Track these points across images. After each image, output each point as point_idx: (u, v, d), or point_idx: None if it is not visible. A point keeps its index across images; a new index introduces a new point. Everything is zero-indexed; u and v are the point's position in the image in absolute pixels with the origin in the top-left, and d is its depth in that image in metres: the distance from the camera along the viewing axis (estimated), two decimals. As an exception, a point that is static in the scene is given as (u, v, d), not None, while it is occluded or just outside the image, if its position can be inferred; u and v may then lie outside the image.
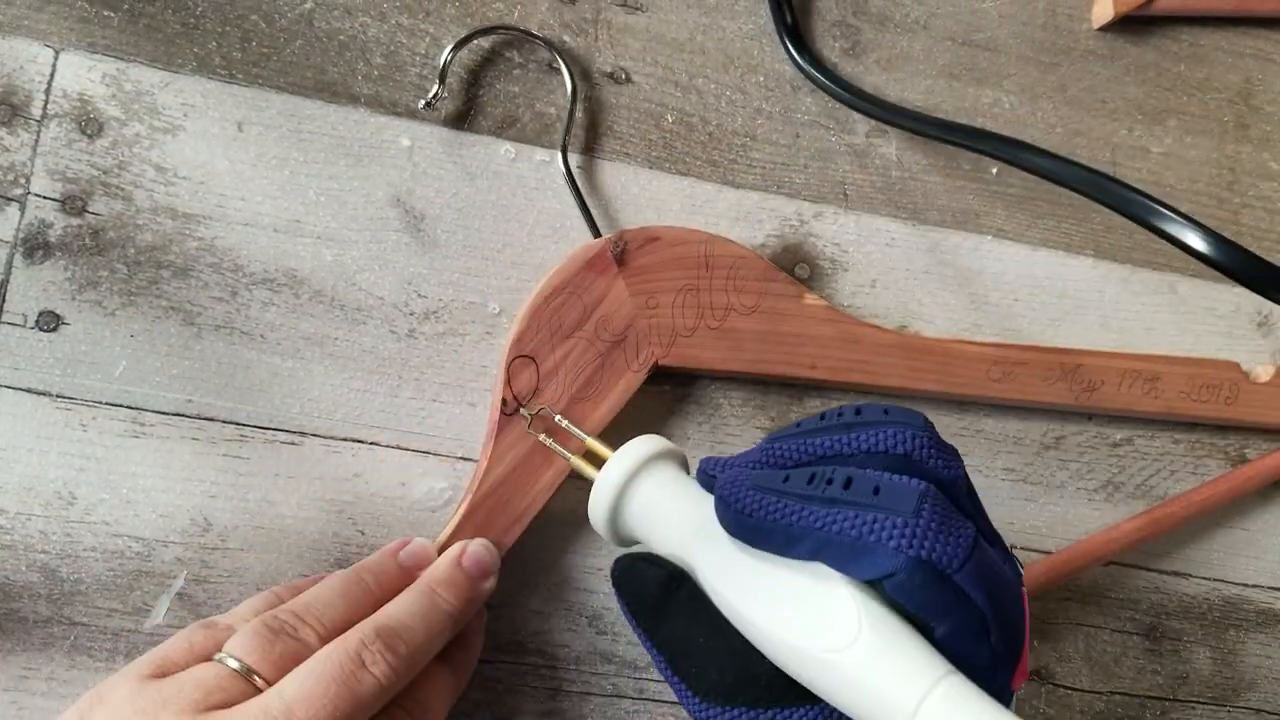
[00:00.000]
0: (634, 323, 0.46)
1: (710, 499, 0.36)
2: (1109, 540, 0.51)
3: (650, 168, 0.50)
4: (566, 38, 0.49)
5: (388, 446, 0.46)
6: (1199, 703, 0.53)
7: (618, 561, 0.37)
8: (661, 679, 0.48)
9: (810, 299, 0.48)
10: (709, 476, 0.36)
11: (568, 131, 0.48)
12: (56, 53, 0.45)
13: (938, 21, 0.53)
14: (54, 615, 0.43)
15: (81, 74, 0.45)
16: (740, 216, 0.50)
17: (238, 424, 0.45)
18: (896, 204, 0.52)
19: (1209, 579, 0.54)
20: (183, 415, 0.45)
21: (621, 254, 0.46)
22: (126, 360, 0.44)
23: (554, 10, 0.49)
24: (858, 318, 0.49)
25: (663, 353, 0.46)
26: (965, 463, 0.37)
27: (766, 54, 0.51)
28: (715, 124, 0.51)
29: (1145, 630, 0.53)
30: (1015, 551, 0.52)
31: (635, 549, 0.38)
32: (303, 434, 0.45)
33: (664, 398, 0.49)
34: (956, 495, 0.33)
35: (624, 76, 0.50)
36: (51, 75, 0.44)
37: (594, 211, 0.48)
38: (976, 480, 0.49)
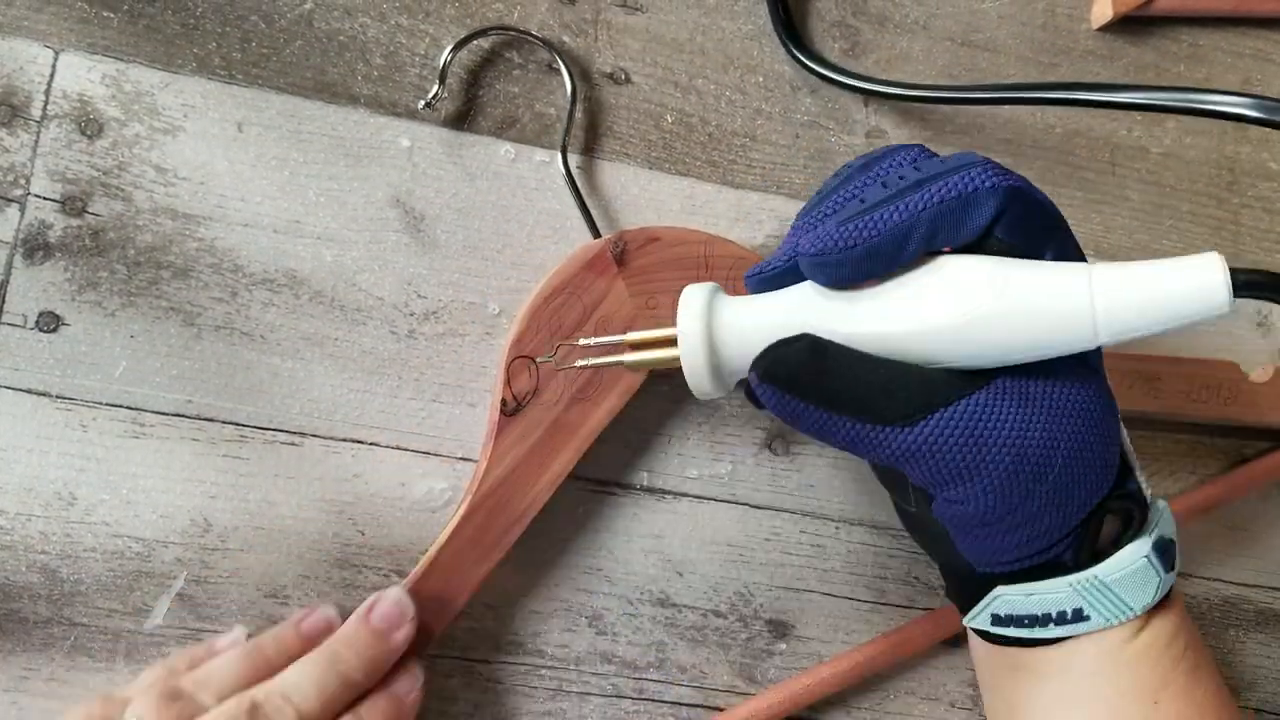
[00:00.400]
0: (634, 323, 0.46)
1: (782, 289, 0.36)
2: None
3: (650, 168, 0.50)
4: (566, 38, 0.49)
5: (388, 447, 0.46)
6: (1199, 703, 0.54)
7: (757, 364, 0.34)
8: (660, 680, 0.48)
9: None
10: (765, 274, 0.37)
11: (567, 132, 0.48)
12: (56, 53, 0.45)
13: (937, 22, 0.53)
14: (54, 616, 0.43)
15: (81, 75, 0.45)
16: (740, 217, 0.50)
17: (238, 424, 0.45)
18: (896, 204, 0.52)
19: (1208, 578, 0.54)
20: (183, 416, 0.45)
21: (621, 254, 0.46)
22: (126, 361, 0.44)
23: (554, 10, 0.49)
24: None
25: (663, 352, 0.46)
26: None
27: (766, 54, 0.51)
28: (715, 124, 0.51)
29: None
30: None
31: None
32: (303, 434, 0.46)
33: (664, 398, 0.49)
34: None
35: (624, 77, 0.50)
36: (51, 76, 0.45)
37: (594, 212, 0.48)
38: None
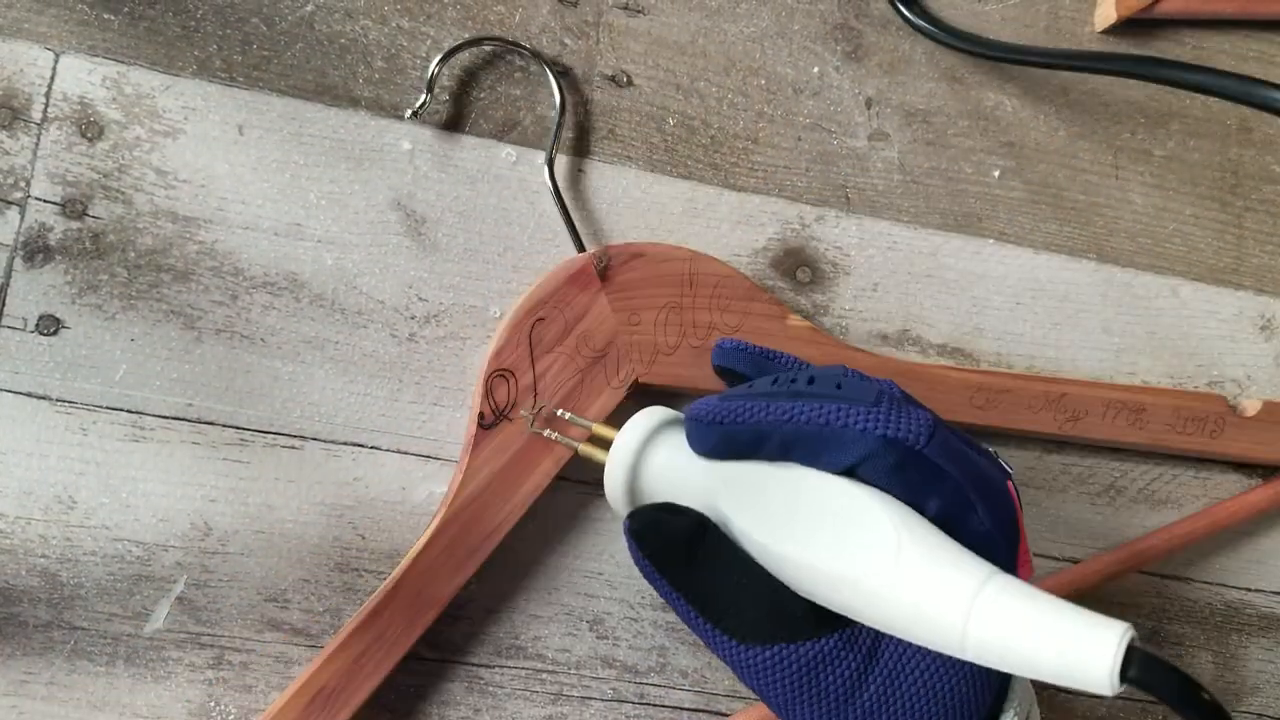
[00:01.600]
0: (615, 339, 0.46)
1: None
2: (1076, 578, 0.51)
3: (652, 171, 0.50)
4: (568, 41, 0.49)
5: (388, 450, 0.46)
6: (1201, 708, 0.54)
7: (633, 516, 0.35)
8: (662, 685, 0.48)
9: (794, 320, 0.48)
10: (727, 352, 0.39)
11: (554, 145, 0.48)
12: (57, 56, 0.45)
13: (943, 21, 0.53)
14: (54, 620, 0.43)
15: (82, 77, 0.45)
16: (742, 220, 0.51)
17: (238, 428, 0.45)
18: (898, 207, 0.52)
19: (1211, 583, 0.55)
20: (183, 419, 0.45)
21: (605, 269, 0.46)
22: (127, 364, 0.44)
23: (555, 13, 0.49)
24: (839, 339, 0.49)
25: (644, 370, 0.46)
26: None
27: (768, 57, 0.51)
28: (717, 127, 0.51)
29: (1147, 634, 0.53)
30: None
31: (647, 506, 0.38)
32: (303, 438, 0.46)
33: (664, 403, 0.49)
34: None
35: (625, 80, 0.50)
36: (52, 78, 0.45)
37: (595, 215, 0.48)
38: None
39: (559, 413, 0.44)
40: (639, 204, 0.50)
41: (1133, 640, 0.27)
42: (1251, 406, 0.52)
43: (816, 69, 0.52)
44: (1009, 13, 0.54)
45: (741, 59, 0.51)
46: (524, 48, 0.48)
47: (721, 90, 0.51)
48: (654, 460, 0.37)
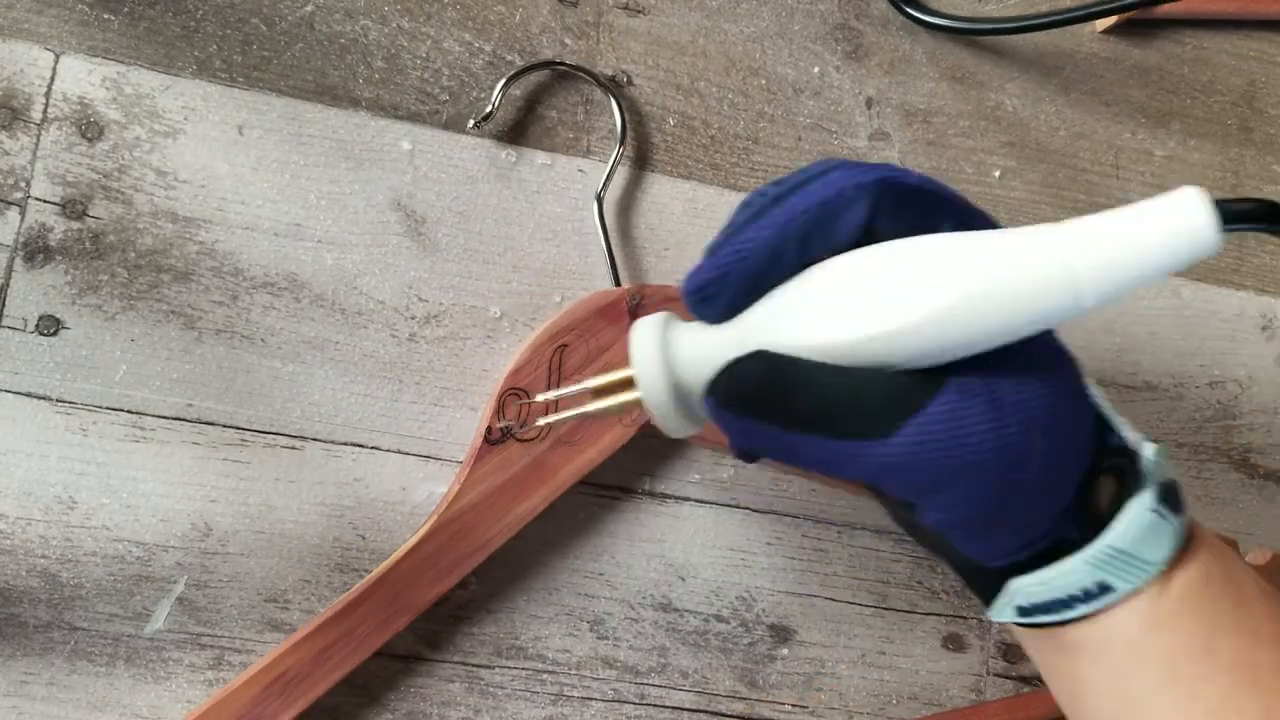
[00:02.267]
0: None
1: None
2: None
3: (652, 171, 0.50)
4: (568, 41, 0.49)
5: (388, 451, 0.47)
6: None
7: (714, 388, 0.33)
8: (662, 685, 0.48)
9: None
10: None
11: (608, 179, 0.48)
12: (57, 56, 0.45)
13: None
14: (54, 620, 0.43)
15: (82, 77, 0.45)
16: (742, 220, 0.51)
17: (238, 428, 0.45)
18: (899, 207, 0.52)
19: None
20: (183, 419, 0.45)
21: (637, 307, 0.46)
22: (127, 364, 0.45)
23: (555, 13, 0.49)
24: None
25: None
26: None
27: (769, 57, 0.52)
28: (717, 127, 0.51)
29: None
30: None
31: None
32: (303, 438, 0.46)
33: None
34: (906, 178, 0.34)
35: (626, 80, 0.50)
36: (52, 78, 0.45)
37: (594, 215, 0.49)
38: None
39: (540, 397, 0.40)
40: (639, 204, 0.50)
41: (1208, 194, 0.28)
42: (1260, 556, 0.52)
43: (817, 69, 0.52)
44: (1009, 12, 0.55)
45: (742, 59, 0.51)
46: (593, 75, 0.49)
47: (722, 90, 0.51)
48: (682, 356, 0.34)
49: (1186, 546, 0.34)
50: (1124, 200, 0.54)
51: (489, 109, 0.47)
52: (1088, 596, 0.34)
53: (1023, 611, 0.35)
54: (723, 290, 0.32)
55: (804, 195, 0.32)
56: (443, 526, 0.44)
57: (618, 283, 0.48)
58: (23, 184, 0.44)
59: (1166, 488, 0.33)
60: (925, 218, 0.32)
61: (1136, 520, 0.32)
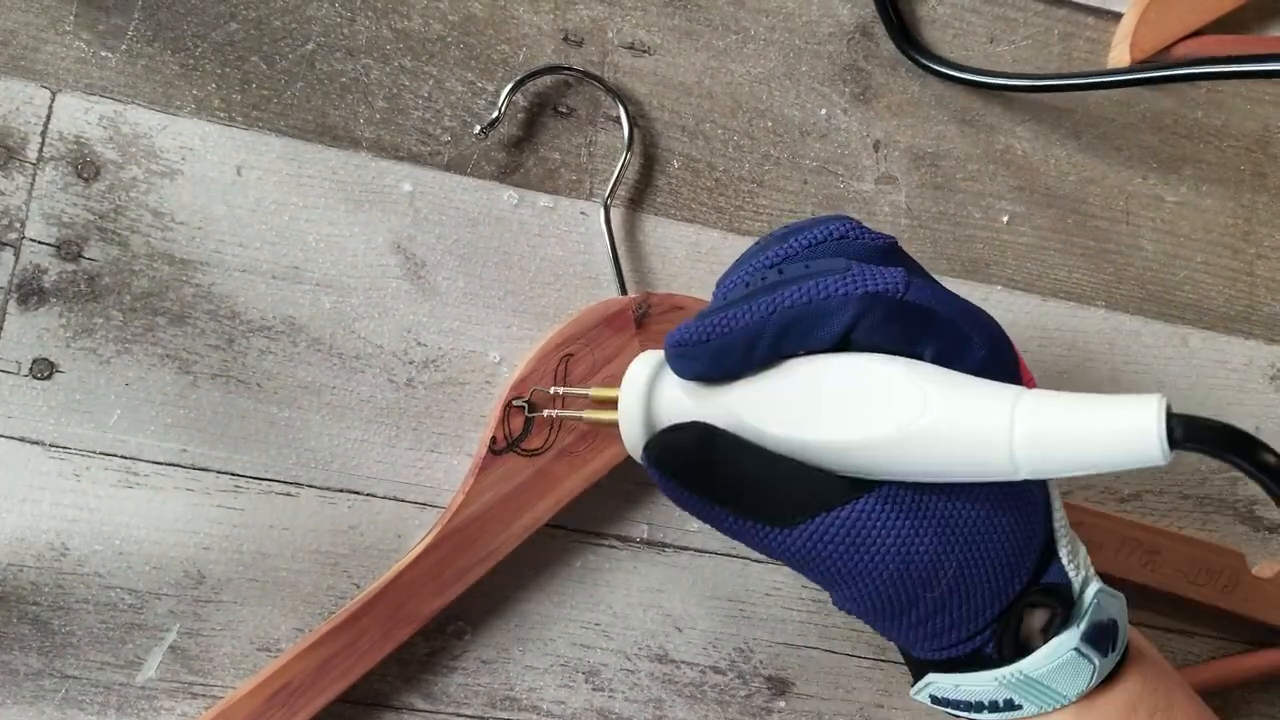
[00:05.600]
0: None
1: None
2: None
3: (655, 214, 0.50)
4: (572, 80, 0.50)
5: (384, 498, 0.47)
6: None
7: (648, 449, 0.36)
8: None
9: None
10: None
11: (615, 184, 0.49)
12: (53, 94, 0.45)
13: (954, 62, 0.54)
14: (45, 668, 0.44)
15: (78, 116, 0.45)
16: (746, 264, 0.51)
17: (233, 474, 0.46)
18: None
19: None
20: (177, 465, 0.45)
21: (643, 316, 0.47)
22: (121, 409, 0.45)
23: (560, 53, 0.50)
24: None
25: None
26: None
27: (775, 98, 0.52)
28: (722, 170, 0.51)
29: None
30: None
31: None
32: (299, 485, 0.46)
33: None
34: (895, 259, 0.36)
35: (632, 112, 0.50)
36: (48, 117, 0.45)
37: (596, 259, 0.49)
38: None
39: (551, 390, 0.45)
40: (641, 247, 0.50)
41: (1168, 406, 0.28)
42: (1269, 569, 0.53)
43: (824, 111, 0.52)
44: (1020, 54, 0.55)
45: (748, 100, 0.52)
46: (599, 80, 0.49)
47: (727, 132, 0.52)
48: (663, 399, 0.37)
49: (1119, 674, 0.36)
50: (1134, 246, 0.55)
51: (495, 115, 0.47)
52: (995, 708, 0.35)
53: (935, 701, 0.37)
54: (698, 356, 0.35)
55: (795, 291, 0.34)
56: (446, 537, 0.45)
57: (624, 291, 0.48)
58: (17, 224, 0.45)
59: (1098, 628, 0.35)
60: (908, 336, 0.33)
61: (1055, 655, 0.34)
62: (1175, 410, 0.28)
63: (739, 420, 0.35)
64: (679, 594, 0.49)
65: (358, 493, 0.47)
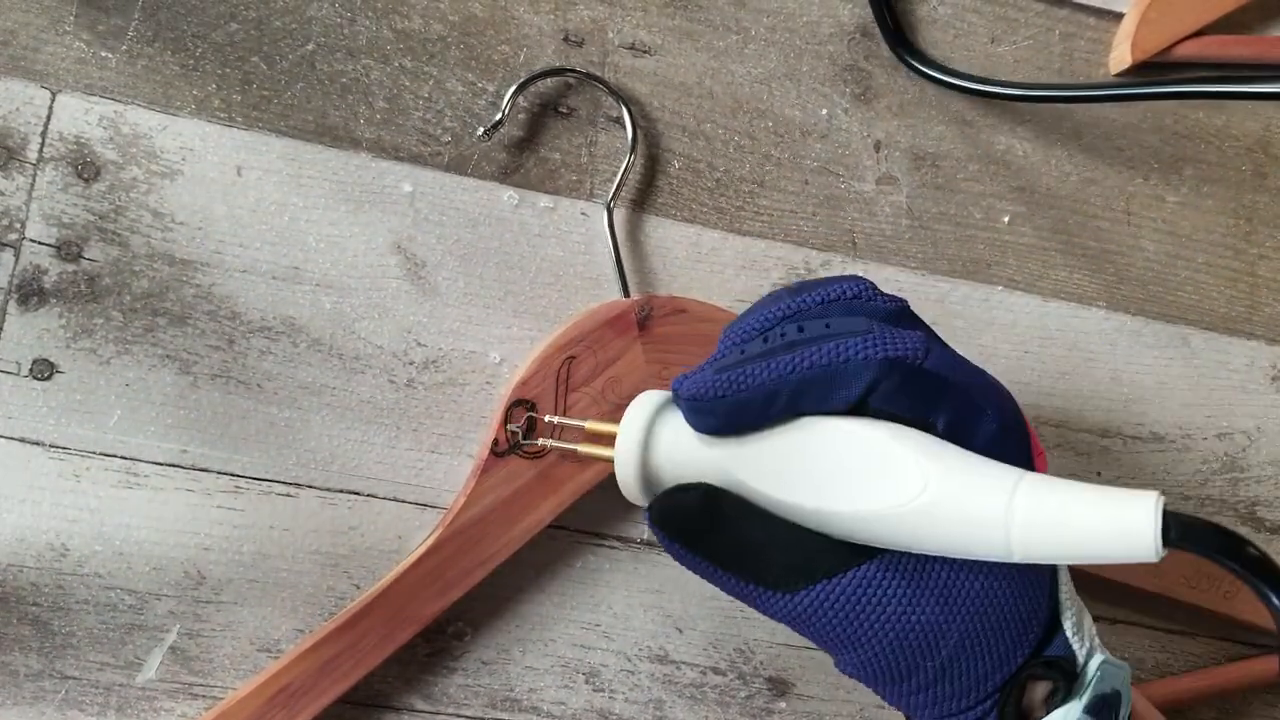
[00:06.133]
0: (643, 389, 0.46)
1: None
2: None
3: (656, 214, 0.50)
4: (573, 81, 0.50)
5: (384, 499, 0.47)
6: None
7: (652, 507, 0.36)
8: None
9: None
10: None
11: (619, 187, 0.49)
12: (53, 94, 0.45)
13: (950, 66, 0.54)
14: (45, 669, 0.44)
15: (79, 116, 0.46)
16: (746, 264, 0.51)
17: (233, 475, 0.46)
18: (905, 253, 0.53)
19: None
20: (177, 466, 0.46)
21: (646, 319, 0.47)
22: (121, 410, 0.45)
23: (560, 54, 0.50)
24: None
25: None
26: None
27: (776, 99, 0.52)
28: (722, 170, 0.51)
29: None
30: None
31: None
32: (299, 485, 0.46)
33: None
34: (906, 323, 0.36)
35: (636, 114, 0.50)
36: (48, 117, 0.45)
37: (597, 259, 0.49)
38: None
39: (547, 418, 0.45)
40: (642, 248, 0.50)
41: (1165, 505, 0.29)
42: None
43: (825, 111, 0.53)
44: (1021, 54, 0.55)
45: (749, 101, 0.52)
46: (603, 82, 0.49)
47: (728, 132, 0.52)
48: (661, 442, 0.37)
49: None
50: (1135, 246, 0.55)
51: (498, 117, 0.47)
52: None
53: None
54: (713, 412, 0.35)
55: (814, 352, 0.34)
56: (448, 539, 0.45)
57: (627, 294, 0.48)
58: (17, 225, 0.45)
59: (1101, 700, 0.35)
60: (924, 403, 0.34)
61: None
62: (1170, 507, 0.29)
63: (737, 478, 0.35)
64: (679, 595, 0.50)
65: (358, 493, 0.47)
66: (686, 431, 0.37)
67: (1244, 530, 0.55)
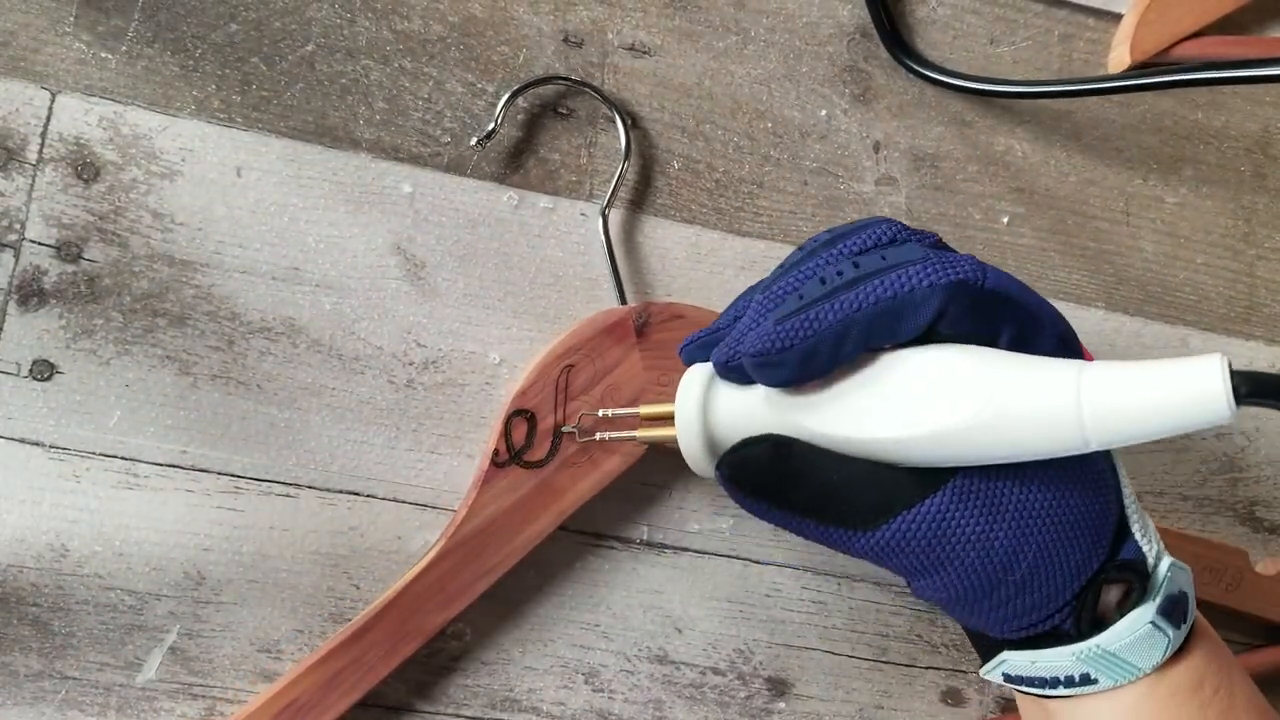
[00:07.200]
0: (642, 397, 0.47)
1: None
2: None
3: (655, 215, 0.51)
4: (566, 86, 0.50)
5: (384, 499, 0.47)
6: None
7: (721, 464, 0.37)
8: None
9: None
10: (702, 339, 0.40)
11: (613, 194, 0.49)
12: (53, 95, 0.46)
13: (949, 67, 0.54)
14: (45, 669, 0.44)
15: (78, 117, 0.46)
16: (746, 265, 0.52)
17: (233, 475, 0.46)
18: (905, 254, 0.53)
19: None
20: (177, 466, 0.46)
21: (643, 326, 0.47)
22: (121, 410, 0.45)
23: (560, 54, 0.50)
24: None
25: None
26: None
27: (775, 99, 0.52)
28: (722, 171, 0.52)
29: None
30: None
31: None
32: (298, 486, 0.47)
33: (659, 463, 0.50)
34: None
35: (630, 122, 0.51)
36: (48, 118, 0.46)
37: (595, 260, 0.49)
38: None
39: (600, 413, 0.46)
40: (641, 248, 0.51)
41: (1229, 364, 0.29)
42: (1272, 566, 0.54)
43: (824, 112, 0.53)
44: (1020, 55, 0.55)
45: (748, 101, 0.52)
46: (597, 90, 0.49)
47: (727, 133, 0.52)
48: (719, 409, 0.38)
49: (1186, 649, 0.36)
50: (1134, 247, 0.55)
51: (492, 125, 0.47)
52: (1070, 683, 0.36)
53: (1009, 678, 0.38)
54: (784, 363, 0.34)
55: (878, 285, 0.34)
56: (451, 551, 0.45)
57: (623, 301, 0.49)
58: (17, 226, 0.45)
59: (1172, 600, 0.36)
60: (987, 323, 0.34)
61: (1132, 629, 0.35)
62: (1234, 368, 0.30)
63: (803, 426, 0.35)
64: (679, 595, 0.50)
65: (357, 494, 0.47)
66: (741, 393, 0.37)
67: (1243, 530, 0.56)
